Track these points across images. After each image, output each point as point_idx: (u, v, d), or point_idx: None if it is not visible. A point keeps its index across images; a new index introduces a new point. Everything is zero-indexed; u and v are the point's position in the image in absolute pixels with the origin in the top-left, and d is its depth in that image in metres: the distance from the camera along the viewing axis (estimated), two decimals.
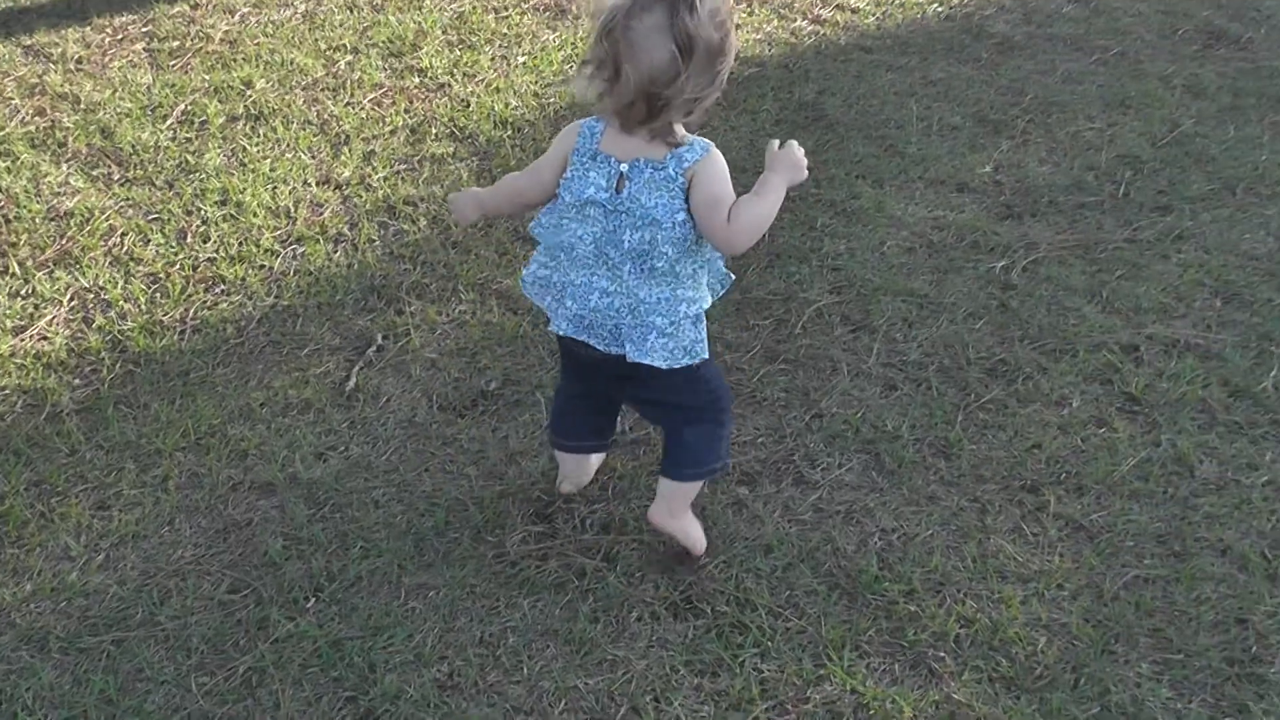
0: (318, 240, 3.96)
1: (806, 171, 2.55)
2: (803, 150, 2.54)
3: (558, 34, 5.55)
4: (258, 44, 5.37)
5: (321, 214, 4.11)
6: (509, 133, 4.64)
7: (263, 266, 3.84)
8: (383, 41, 5.41)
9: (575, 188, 2.43)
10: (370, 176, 4.32)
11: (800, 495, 2.98)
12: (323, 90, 4.97)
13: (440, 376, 3.38)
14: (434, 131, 4.64)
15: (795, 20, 5.77)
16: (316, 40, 5.44)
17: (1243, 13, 5.95)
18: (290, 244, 3.95)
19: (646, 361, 2.48)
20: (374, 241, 3.97)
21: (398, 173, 4.36)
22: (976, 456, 3.10)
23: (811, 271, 3.82)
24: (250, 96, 4.86)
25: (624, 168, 2.39)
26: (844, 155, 4.48)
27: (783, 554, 2.80)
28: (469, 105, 4.84)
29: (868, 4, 5.94)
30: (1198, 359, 3.47)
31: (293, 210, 4.12)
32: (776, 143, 2.55)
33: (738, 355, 3.44)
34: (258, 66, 5.14)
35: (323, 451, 3.12)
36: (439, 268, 3.84)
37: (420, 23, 5.61)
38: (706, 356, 2.55)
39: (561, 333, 2.58)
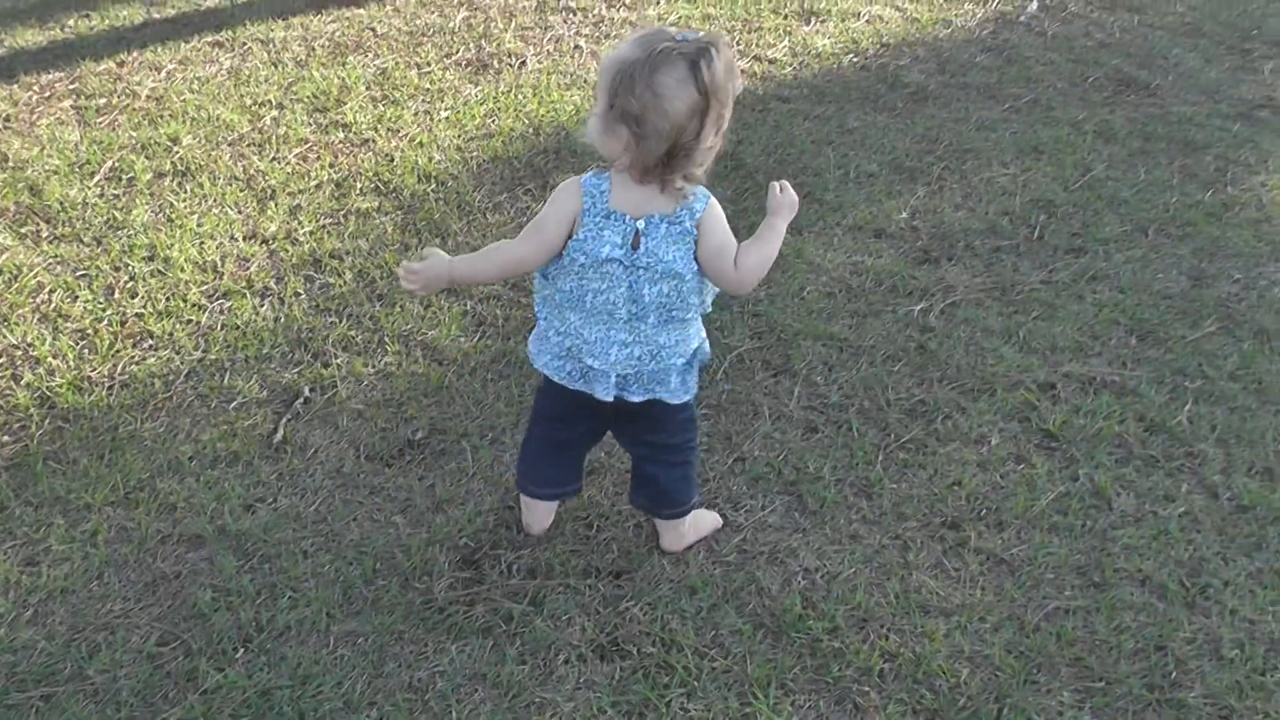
0: (244, 295, 3.97)
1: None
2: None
3: (480, 88, 5.61)
4: (184, 100, 5.39)
5: (248, 268, 4.12)
6: (433, 186, 4.68)
7: (190, 321, 3.85)
8: (307, 97, 5.44)
9: (590, 248, 2.44)
10: (296, 231, 4.34)
11: (724, 537, 3.01)
12: (249, 146, 4.99)
13: (367, 427, 3.40)
14: (359, 186, 4.67)
15: None
16: (242, 96, 5.46)
17: (1150, 60, 6.12)
18: (217, 298, 3.96)
19: (671, 401, 2.62)
20: (300, 295, 3.99)
21: (323, 227, 4.38)
22: (898, 495, 3.16)
23: (732, 318, 3.87)
24: (177, 152, 4.87)
25: (640, 224, 2.43)
26: (763, 204, 4.43)
27: (707, 595, 2.84)
28: (393, 160, 4.88)
29: (784, 54, 6.06)
30: (1113, 395, 3.56)
31: (220, 265, 4.13)
32: (778, 186, 2.65)
33: None
34: (184, 123, 5.15)
35: (251, 503, 3.13)
36: (365, 320, 3.86)
37: (344, 78, 5.65)
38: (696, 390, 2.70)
39: (575, 387, 2.62)
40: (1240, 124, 5.43)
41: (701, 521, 3.00)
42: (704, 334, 2.69)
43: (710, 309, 2.65)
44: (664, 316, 2.52)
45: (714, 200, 2.50)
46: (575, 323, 2.56)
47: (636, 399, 2.61)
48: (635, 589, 2.85)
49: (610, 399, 2.59)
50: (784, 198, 2.62)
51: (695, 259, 2.47)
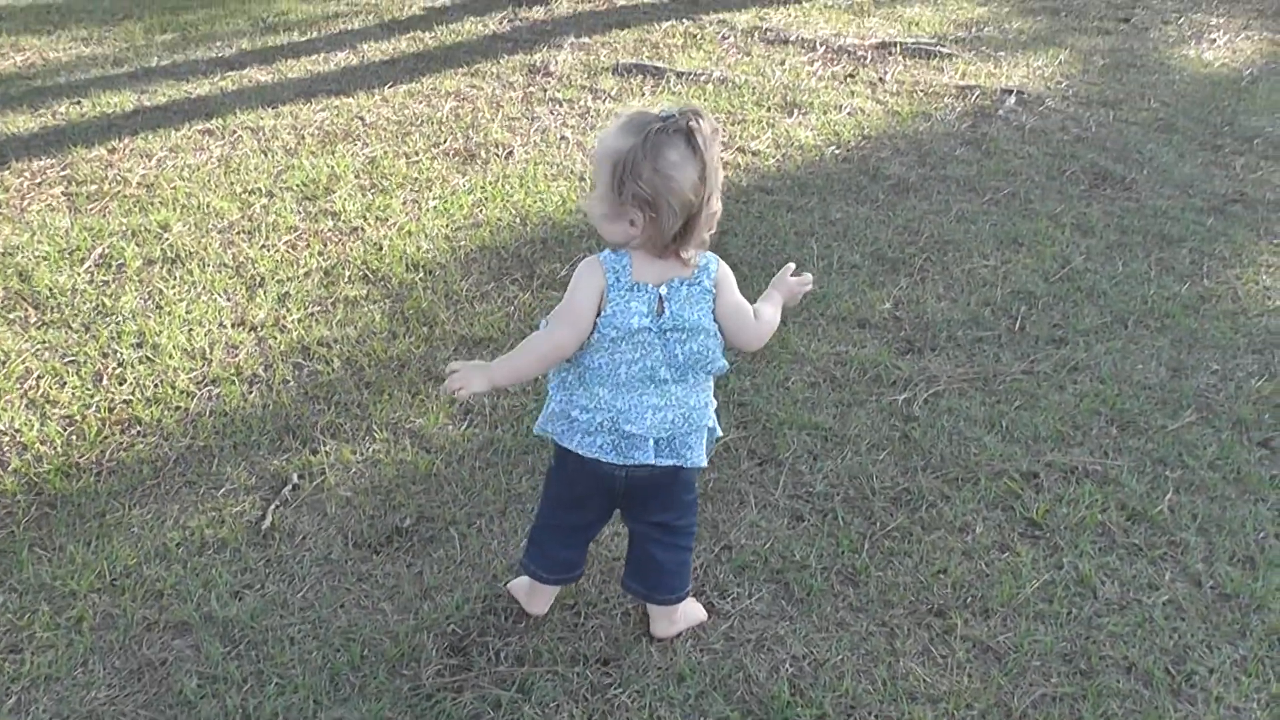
0: (233, 381, 3.99)
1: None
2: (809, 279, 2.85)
3: (467, 178, 5.68)
4: (174, 188, 5.45)
5: (237, 355, 4.15)
6: (421, 275, 4.72)
7: (179, 408, 3.86)
8: (297, 185, 5.51)
9: (620, 321, 2.51)
10: (285, 318, 4.38)
11: (711, 625, 3.02)
12: (238, 233, 5.04)
13: (355, 514, 3.41)
14: (347, 274, 4.71)
15: None
16: (232, 184, 5.53)
17: (1126, 155, 6.24)
18: (206, 385, 3.98)
19: (697, 464, 2.69)
20: (289, 382, 4.01)
21: (312, 314, 4.42)
22: (884, 583, 3.17)
23: (719, 408, 3.88)
24: (167, 239, 4.92)
25: (662, 290, 2.52)
26: (747, 294, 4.49)
27: (695, 682, 2.84)
28: (381, 248, 4.93)
29: (768, 146, 6.16)
30: (1096, 484, 3.59)
31: (208, 352, 4.15)
32: (792, 266, 2.84)
33: None
34: (174, 210, 5.21)
35: (239, 590, 3.12)
36: (353, 408, 3.88)
37: (333, 167, 5.72)
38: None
39: (609, 459, 2.64)
40: (1214, 218, 5.53)
41: (691, 611, 3.02)
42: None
43: (727, 368, 2.72)
44: (697, 376, 2.61)
45: (721, 260, 2.61)
46: (606, 396, 2.60)
47: (665, 464, 2.65)
48: (623, 676, 2.85)
49: (652, 460, 2.63)
50: (793, 280, 2.78)
51: (714, 316, 2.59)
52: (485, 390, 2.62)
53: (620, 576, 3.01)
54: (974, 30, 8.91)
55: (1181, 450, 3.77)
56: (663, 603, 2.92)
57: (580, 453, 2.65)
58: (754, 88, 7.26)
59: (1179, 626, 3.06)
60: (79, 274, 4.63)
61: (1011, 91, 7.30)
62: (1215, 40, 8.82)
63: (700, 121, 2.40)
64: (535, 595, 3.01)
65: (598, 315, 2.53)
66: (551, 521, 2.90)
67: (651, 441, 2.62)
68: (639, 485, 2.70)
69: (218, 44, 8.30)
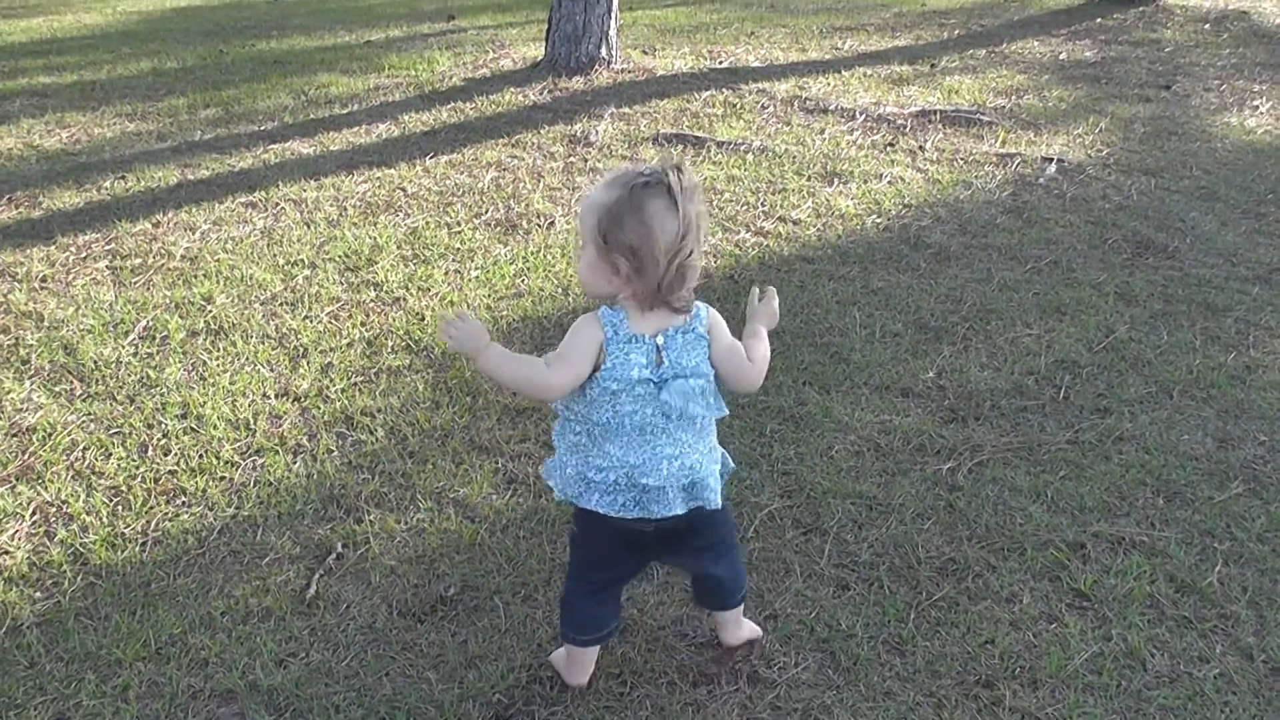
0: (277, 451, 4.02)
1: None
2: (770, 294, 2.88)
3: (509, 248, 5.72)
4: (218, 260, 5.51)
5: (280, 425, 4.17)
6: None
7: (223, 478, 3.89)
8: (339, 256, 5.56)
9: (620, 373, 2.57)
10: (328, 388, 4.40)
11: (757, 694, 2.99)
12: (281, 304, 5.08)
13: (399, 583, 3.41)
14: (390, 344, 4.74)
15: (739, 232, 5.98)
16: (275, 255, 5.59)
17: (1168, 224, 6.22)
18: (250, 455, 4.01)
19: (707, 505, 2.71)
20: (332, 452, 4.03)
21: (355, 384, 4.45)
22: (930, 653, 3.14)
23: (762, 476, 3.90)
24: (210, 311, 4.97)
25: (659, 340, 2.59)
26: (790, 363, 4.61)
27: None
28: (424, 318, 4.96)
29: (808, 215, 6.18)
30: (1143, 555, 3.55)
31: (252, 422, 4.18)
32: (757, 292, 2.90)
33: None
34: (218, 282, 5.26)
35: (283, 658, 3.12)
36: (397, 477, 3.89)
37: (375, 238, 5.78)
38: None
39: (633, 515, 2.67)
40: (1259, 287, 5.50)
41: (750, 624, 3.15)
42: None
43: (726, 413, 2.76)
44: (700, 421, 2.67)
45: (709, 306, 2.68)
46: (617, 453, 2.64)
47: (681, 510, 2.68)
48: None
49: (682, 511, 2.68)
50: (763, 306, 2.88)
51: (711, 361, 2.65)
52: (468, 355, 2.63)
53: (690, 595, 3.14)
54: (1013, 98, 8.94)
55: (1229, 522, 3.73)
56: (739, 602, 3.03)
57: (601, 511, 2.68)
58: (794, 157, 7.31)
59: (1230, 700, 3.01)
60: (123, 346, 4.69)
61: (1052, 159, 7.32)
62: (1258, 107, 8.81)
63: (679, 175, 2.47)
64: (574, 664, 3.00)
65: (595, 370, 2.58)
66: (581, 583, 2.91)
67: (671, 490, 2.65)
68: (671, 533, 2.73)
69: (260, 118, 8.43)
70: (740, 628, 3.10)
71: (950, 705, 2.97)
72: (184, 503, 3.77)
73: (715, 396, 2.69)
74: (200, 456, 3.99)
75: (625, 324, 2.57)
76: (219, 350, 4.69)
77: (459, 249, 5.75)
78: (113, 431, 4.12)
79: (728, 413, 2.76)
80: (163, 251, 5.66)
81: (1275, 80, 9.65)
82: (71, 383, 4.43)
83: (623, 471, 2.63)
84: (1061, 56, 10.52)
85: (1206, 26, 12.00)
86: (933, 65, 10.13)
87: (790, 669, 3.08)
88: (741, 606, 3.06)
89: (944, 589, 3.39)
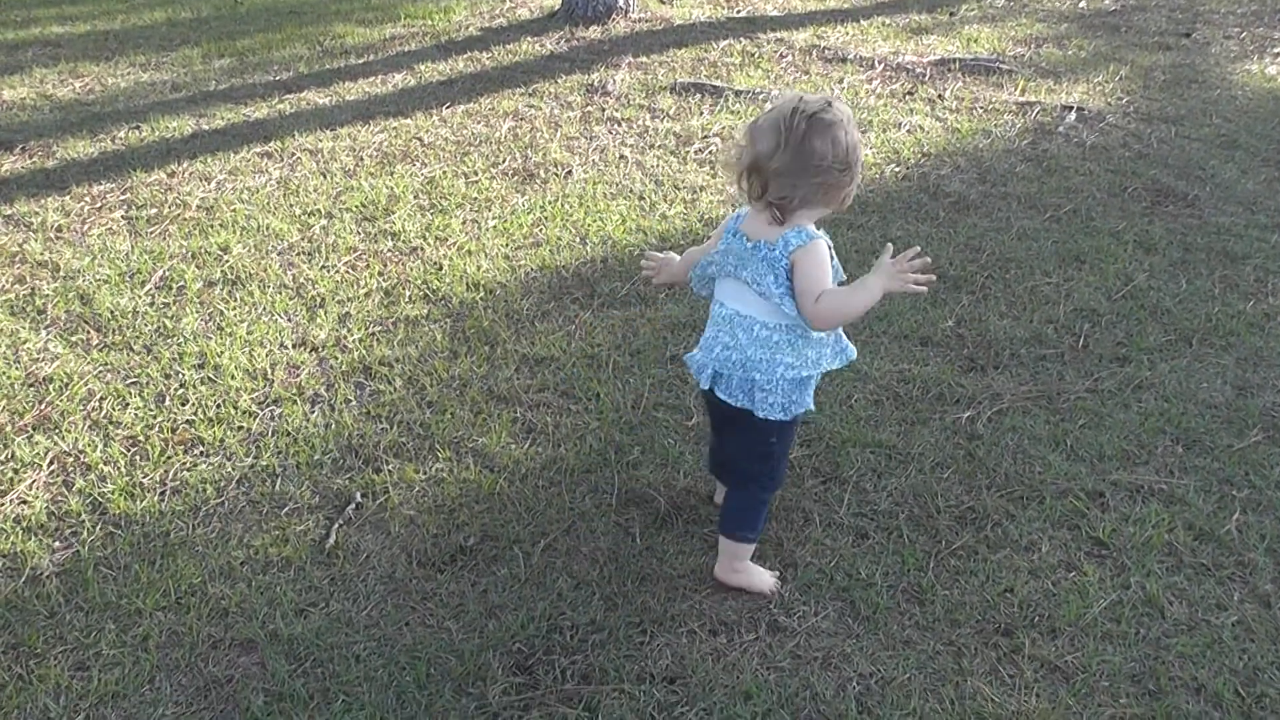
0: (295, 401, 4.02)
1: (913, 284, 2.87)
2: (918, 260, 2.88)
3: (526, 198, 5.70)
4: (234, 210, 5.50)
5: (298, 375, 4.17)
6: (481, 294, 4.74)
7: (241, 428, 3.89)
8: (356, 206, 5.55)
9: (719, 259, 2.96)
10: (346, 338, 4.40)
11: (777, 643, 3.00)
12: (298, 254, 5.07)
13: (419, 533, 3.41)
14: (407, 294, 4.73)
15: None
16: (291, 206, 5.57)
17: (1188, 172, 6.17)
18: (268, 405, 4.01)
19: (747, 408, 2.95)
20: (350, 402, 4.03)
21: (372, 334, 4.44)
22: (950, 601, 3.14)
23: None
24: (227, 261, 4.97)
25: (750, 245, 2.86)
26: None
27: (762, 700, 2.82)
28: (441, 268, 4.95)
29: None
30: (1162, 504, 3.54)
31: (270, 372, 4.18)
32: (890, 248, 2.92)
33: (712, 509, 3.49)
34: (234, 232, 5.26)
35: (303, 608, 3.13)
36: (415, 427, 3.89)
37: (392, 188, 5.76)
38: (796, 415, 3.01)
39: (693, 373, 3.09)
40: (1278, 235, 5.45)
41: (754, 576, 3.21)
42: (802, 395, 2.99)
43: (807, 361, 2.95)
44: (756, 329, 2.91)
45: (816, 243, 2.84)
46: (709, 326, 3.05)
47: (722, 397, 2.98)
48: (689, 694, 2.84)
49: (706, 387, 3.01)
50: (885, 262, 2.89)
51: (789, 289, 2.83)
52: (672, 283, 3.32)
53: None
54: (1033, 47, 8.86)
55: (1248, 470, 3.72)
56: (720, 533, 3.19)
57: (686, 361, 3.15)
58: None
59: (1248, 648, 3.02)
60: (140, 296, 4.68)
61: (1072, 108, 7.25)
62: (1279, 55, 8.71)
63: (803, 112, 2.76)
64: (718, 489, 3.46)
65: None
66: (710, 440, 3.37)
67: (709, 370, 2.99)
68: (726, 414, 3.03)
69: (275, 68, 8.39)
70: (733, 574, 3.20)
71: (969, 653, 2.97)
72: (202, 452, 3.77)
73: (781, 318, 2.88)
74: (218, 406, 3.99)
75: (741, 220, 2.96)
76: (236, 300, 4.68)
77: (476, 198, 5.72)
78: (130, 381, 4.12)
79: (796, 337, 2.91)
80: (178, 201, 5.65)
81: None
82: (88, 332, 4.43)
83: (704, 340, 3.05)
84: (1081, 5, 10.41)
85: None
86: (952, 14, 10.02)
87: (810, 617, 3.09)
88: (730, 551, 3.17)
89: (963, 538, 3.38)
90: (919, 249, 2.90)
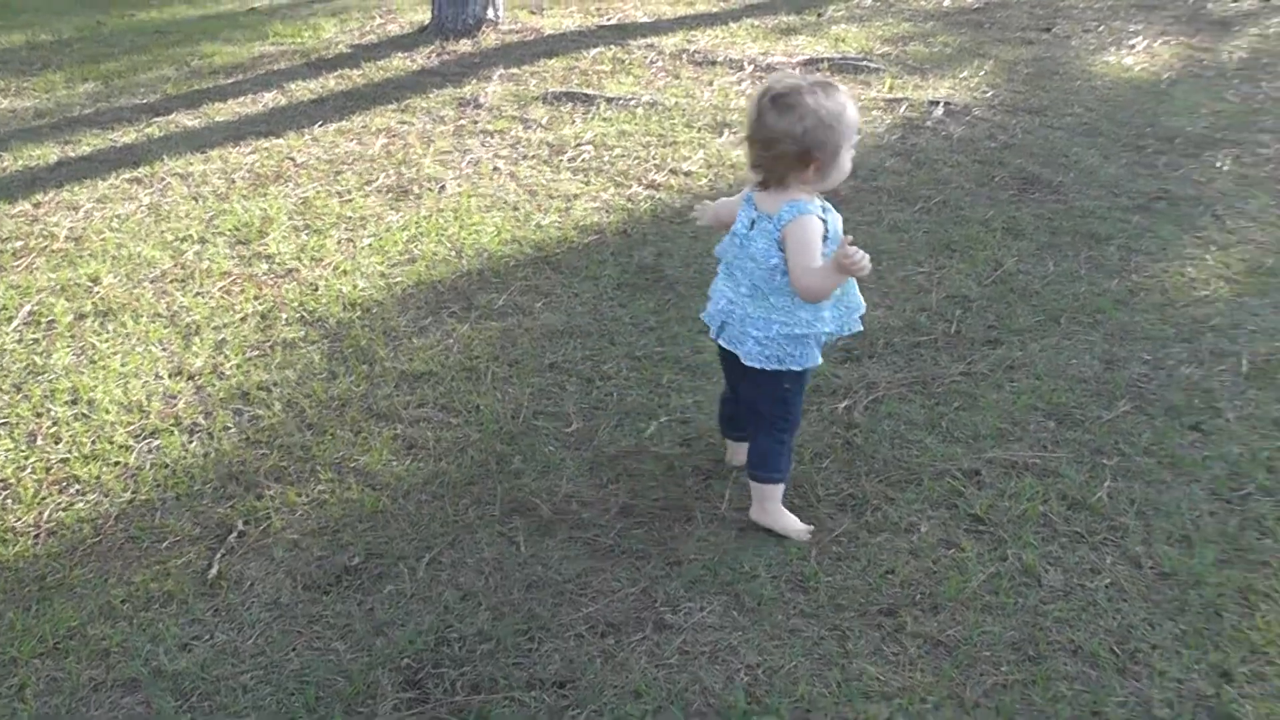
0: (173, 432, 3.96)
1: (862, 266, 2.98)
2: (854, 253, 2.97)
3: (400, 214, 5.69)
4: (103, 239, 5.42)
5: (175, 405, 4.12)
6: (358, 313, 4.72)
7: (118, 463, 3.83)
8: (229, 230, 5.50)
9: (735, 222, 3.25)
10: (222, 365, 4.35)
11: (665, 640, 3.02)
12: (171, 282, 5.01)
13: (303, 556, 3.38)
14: (284, 317, 4.70)
15: (631, 186, 5.99)
16: (163, 232, 5.50)
17: (1052, 159, 6.32)
18: (145, 438, 3.95)
19: (745, 362, 3.23)
20: (229, 429, 3.99)
21: (250, 359, 4.40)
22: (833, 587, 3.19)
23: (661, 427, 3.93)
24: (98, 293, 4.89)
25: (756, 215, 3.16)
26: (685, 313, 4.64)
27: (652, 698, 2.84)
28: (317, 289, 4.92)
29: (700, 167, 6.20)
30: (1036, 477, 3.62)
31: (146, 404, 4.12)
32: (848, 240, 3.02)
33: (594, 512, 3.51)
34: (104, 262, 5.18)
35: (187, 642, 3.09)
36: (296, 450, 3.86)
37: (266, 209, 5.71)
38: (794, 369, 3.24)
39: (706, 320, 3.39)
40: (1139, 215, 5.60)
41: (784, 520, 3.43)
42: (800, 350, 3.22)
43: (800, 319, 3.17)
44: (754, 291, 3.18)
45: (807, 217, 3.08)
46: (719, 277, 3.35)
47: (723, 344, 3.31)
48: (579, 697, 2.84)
49: (713, 335, 3.35)
50: (836, 253, 3.01)
51: (782, 257, 3.10)
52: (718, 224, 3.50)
53: None
54: (900, 45, 9.00)
55: (1118, 439, 3.81)
56: (750, 477, 3.44)
57: (702, 317, 3.43)
58: (684, 109, 7.32)
59: (1122, 608, 3.10)
60: (7, 334, 4.59)
61: (939, 103, 7.38)
62: (1134, 46, 8.94)
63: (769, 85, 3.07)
64: (728, 448, 3.74)
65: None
66: (724, 392, 3.64)
67: (719, 322, 3.30)
68: (729, 360, 3.34)
69: (141, 90, 8.28)
70: (763, 514, 3.44)
71: (854, 635, 3.02)
72: (78, 491, 3.71)
73: (771, 282, 3.14)
74: (93, 443, 3.92)
75: (750, 193, 3.23)
76: (108, 332, 4.61)
77: (351, 217, 5.69)
78: None
79: (791, 301, 3.14)
80: (45, 233, 5.55)
81: (1150, 20, 9.78)
82: None
83: (712, 291, 3.37)
84: (946, 4, 10.59)
85: None
86: (819, 15, 10.15)
87: (696, 613, 3.11)
88: (761, 494, 3.42)
89: (844, 524, 3.43)
90: (850, 238, 3.01)
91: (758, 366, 3.21)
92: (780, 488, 3.41)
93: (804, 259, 3.04)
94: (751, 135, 3.11)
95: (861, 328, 3.34)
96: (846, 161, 3.10)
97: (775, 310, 3.17)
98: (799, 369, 3.23)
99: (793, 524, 3.40)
